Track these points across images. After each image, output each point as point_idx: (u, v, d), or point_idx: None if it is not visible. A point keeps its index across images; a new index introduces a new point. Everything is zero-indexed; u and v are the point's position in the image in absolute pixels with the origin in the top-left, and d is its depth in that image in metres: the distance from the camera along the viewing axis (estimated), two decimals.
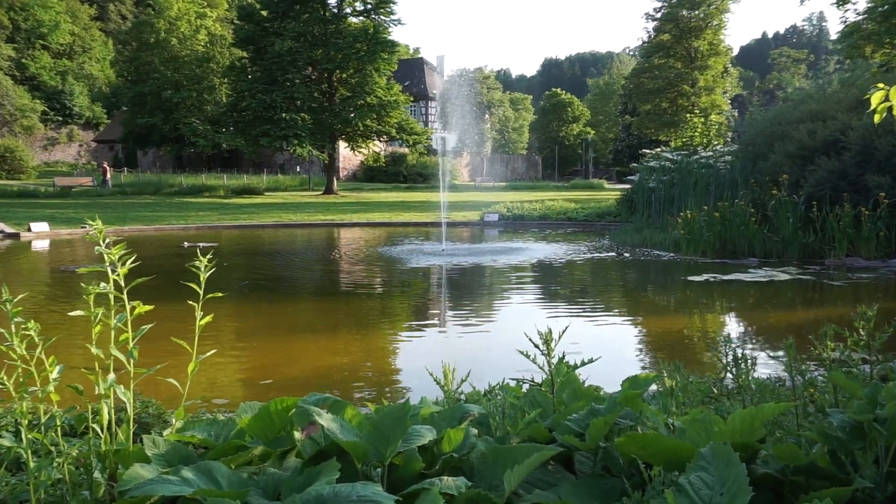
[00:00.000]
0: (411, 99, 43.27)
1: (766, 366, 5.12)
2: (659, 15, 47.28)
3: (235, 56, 44.65)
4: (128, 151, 63.66)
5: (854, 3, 23.93)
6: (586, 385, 2.44)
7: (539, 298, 8.99)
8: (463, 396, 2.93)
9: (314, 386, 4.80)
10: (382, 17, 38.04)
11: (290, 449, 1.97)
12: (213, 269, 2.29)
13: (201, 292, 2.28)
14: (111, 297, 2.14)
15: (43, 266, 12.37)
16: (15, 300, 1.99)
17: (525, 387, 2.52)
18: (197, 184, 40.39)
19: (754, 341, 6.47)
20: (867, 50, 23.82)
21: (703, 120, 21.94)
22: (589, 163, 79.92)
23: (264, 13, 37.65)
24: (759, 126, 15.29)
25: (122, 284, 2.15)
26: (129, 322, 2.13)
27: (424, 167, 58.51)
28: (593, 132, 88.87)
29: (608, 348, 5.99)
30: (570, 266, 11.67)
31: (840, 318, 7.03)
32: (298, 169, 56.94)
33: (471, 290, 9.70)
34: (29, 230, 17.72)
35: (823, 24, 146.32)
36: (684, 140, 20.74)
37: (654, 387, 2.30)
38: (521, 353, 2.30)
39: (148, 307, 2.18)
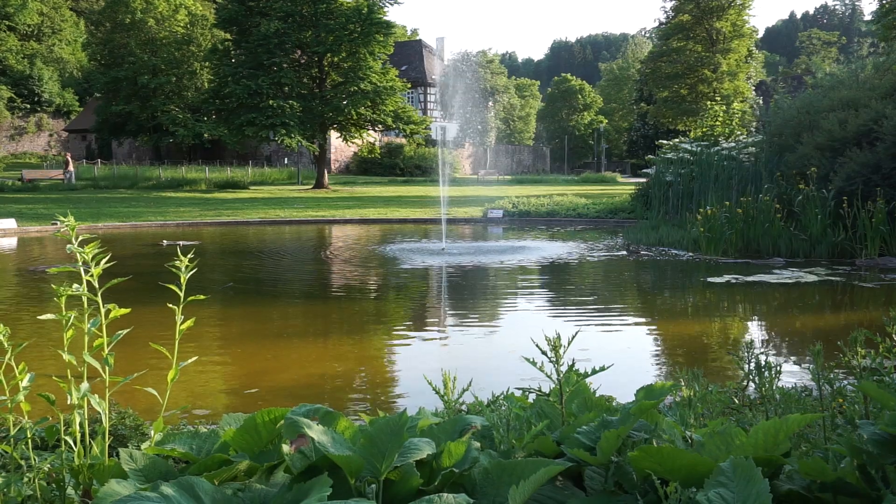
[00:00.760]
0: (409, 85, 43.24)
1: (792, 374, 5.13)
2: None
3: (218, 38, 44.64)
4: (102, 142, 63.65)
5: None
6: (597, 395, 2.45)
7: (546, 302, 8.99)
8: (464, 407, 2.94)
9: (304, 396, 4.81)
10: None
11: (277, 463, 1.98)
12: (195, 270, 2.30)
13: (182, 294, 2.28)
14: (84, 299, 2.15)
15: (10, 266, 12.38)
16: None
17: (531, 397, 2.53)
18: (176, 177, 40.36)
19: (779, 348, 6.47)
20: None
21: (724, 108, 21.92)
22: (601, 154, 79.88)
23: None
24: (786, 115, 15.29)
25: (97, 286, 2.16)
26: (104, 326, 2.13)
27: (423, 159, 58.49)
28: (606, 121, 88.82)
29: (621, 355, 6.00)
30: (580, 267, 11.68)
31: (871, 323, 7.04)
32: (286, 161, 56.98)
33: (473, 292, 9.70)
34: None
35: (857, 2, 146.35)
36: (704, 130, 20.74)
37: (670, 397, 2.30)
38: (527, 360, 2.31)
39: (124, 310, 2.18)
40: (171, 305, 2.33)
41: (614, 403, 2.55)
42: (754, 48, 50.13)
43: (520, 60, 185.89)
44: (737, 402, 3.24)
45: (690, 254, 12.83)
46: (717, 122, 20.54)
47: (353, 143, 41.66)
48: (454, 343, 6.67)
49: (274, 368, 5.70)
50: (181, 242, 14.75)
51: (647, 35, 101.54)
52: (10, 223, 18.13)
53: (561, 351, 2.18)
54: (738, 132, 19.93)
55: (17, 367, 2.01)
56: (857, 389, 2.39)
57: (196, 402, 4.75)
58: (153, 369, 5.11)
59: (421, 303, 8.99)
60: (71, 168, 37.76)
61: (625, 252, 13.15)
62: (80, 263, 2.16)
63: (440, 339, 6.94)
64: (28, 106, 72.68)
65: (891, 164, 11.85)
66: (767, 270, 10.65)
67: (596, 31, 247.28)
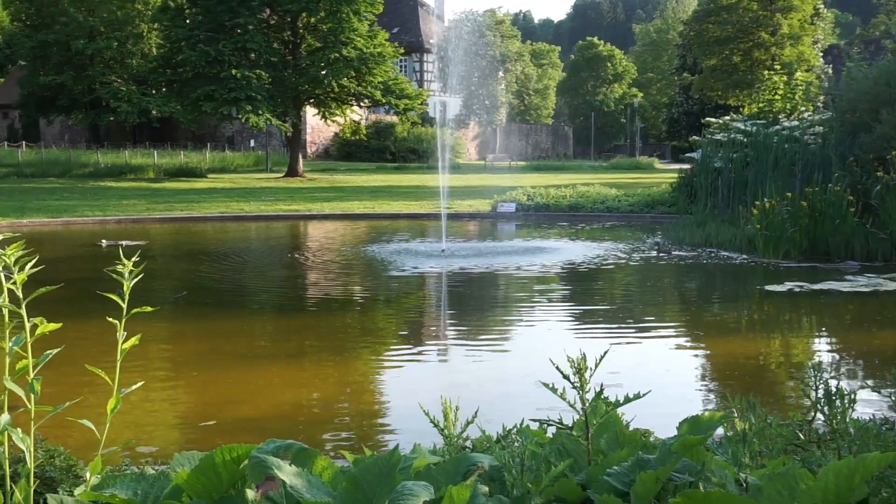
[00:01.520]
0: (401, 51, 43.30)
1: (869, 403, 5.12)
2: None
3: None
4: (27, 120, 63.66)
5: None
6: (631, 428, 2.45)
7: (569, 315, 8.98)
8: (469, 443, 2.93)
9: (273, 430, 4.81)
10: None
11: None
12: (141, 276, 2.29)
13: (125, 306, 2.28)
14: (5, 312, 2.14)
15: None
16: None
17: (550, 430, 2.53)
18: (118, 163, 40.39)
19: (853, 371, 6.47)
20: None
21: (786, 78, 21.92)
22: (635, 135, 79.93)
23: None
24: (861, 86, 15.29)
25: (20, 296, 2.16)
26: (30, 345, 2.13)
27: (418, 141, 58.55)
28: (641, 95, 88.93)
29: (659, 380, 5.99)
30: (609, 272, 11.67)
31: None
32: (252, 144, 57.00)
33: (479, 304, 9.69)
34: None
35: None
36: (761, 105, 20.71)
37: (720, 431, 2.30)
38: (546, 385, 2.31)
39: (54, 325, 2.18)
40: (111, 319, 2.33)
41: (652, 439, 2.54)
42: (822, 6, 50.15)
43: (536, 21, 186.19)
44: (802, 437, 3.23)
45: (744, 256, 12.82)
46: (777, 96, 20.52)
47: (333, 121, 41.71)
48: (456, 366, 6.66)
49: (237, 396, 5.69)
50: (124, 242, 14.76)
51: None
52: None
53: (587, 375, 2.18)
54: (803, 108, 19.92)
55: None
56: None
57: (141, 438, 4.74)
58: (90, 397, 5.11)
59: (416, 317, 8.98)
60: None
61: (665, 254, 13.15)
62: (1, 268, 2.15)
63: (439, 360, 6.93)
64: None
65: None
66: (838, 276, 10.64)
67: None
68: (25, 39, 52.35)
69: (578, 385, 2.17)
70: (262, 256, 14.10)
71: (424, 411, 2.57)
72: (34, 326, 2.14)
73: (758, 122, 18.34)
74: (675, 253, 13.23)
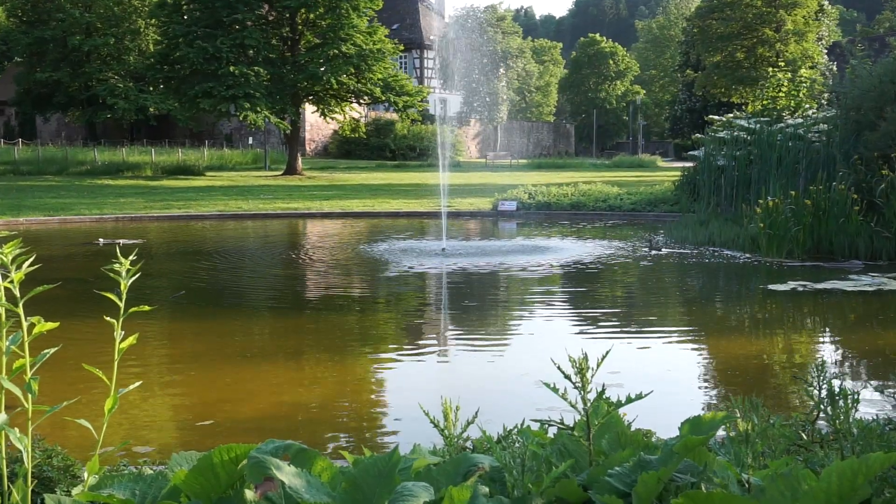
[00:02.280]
0: (401, 48, 43.26)
1: (872, 403, 5.13)
2: None
3: None
4: (23, 117, 63.64)
5: None
6: (633, 429, 2.45)
7: (570, 315, 8.98)
8: (469, 444, 2.93)
9: (272, 430, 4.81)
10: None
11: None
12: (138, 275, 2.30)
13: (122, 305, 2.28)
14: (2, 311, 2.15)
15: None
16: None
17: (551, 431, 2.53)
18: (115, 161, 40.35)
19: (856, 371, 6.47)
20: None
21: (790, 76, 21.93)
22: (637, 133, 79.85)
23: None
24: (866, 84, 15.27)
25: (17, 294, 2.16)
26: (27, 344, 2.13)
27: (418, 139, 58.49)
28: (643, 92, 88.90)
29: (661, 380, 6.00)
30: (611, 271, 11.68)
31: None
32: (251, 141, 56.98)
33: (480, 303, 9.70)
34: None
35: None
36: (765, 102, 20.72)
37: (722, 431, 2.30)
38: (547, 385, 2.31)
39: (52, 325, 2.18)
40: (108, 318, 2.33)
41: (654, 439, 2.55)
42: (826, 2, 50.06)
43: (538, 17, 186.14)
44: (805, 437, 3.24)
45: (747, 255, 12.82)
46: (781, 94, 20.51)
47: (332, 119, 41.64)
48: (457, 365, 6.67)
49: (235, 396, 5.70)
50: (121, 241, 14.76)
51: None
52: None
53: (588, 374, 2.18)
54: (807, 105, 19.91)
55: None
56: None
57: (139, 438, 4.75)
58: (87, 397, 5.12)
59: (416, 316, 8.98)
60: None
61: (668, 252, 13.14)
62: None
63: (439, 360, 6.94)
64: None
65: None
66: (842, 276, 10.64)
67: None
68: (22, 36, 52.31)
69: (580, 385, 2.17)
70: (260, 255, 14.10)
71: (424, 411, 2.58)
72: (31, 325, 2.15)
73: (761, 119, 18.34)
74: (666, 250, 13.26)
